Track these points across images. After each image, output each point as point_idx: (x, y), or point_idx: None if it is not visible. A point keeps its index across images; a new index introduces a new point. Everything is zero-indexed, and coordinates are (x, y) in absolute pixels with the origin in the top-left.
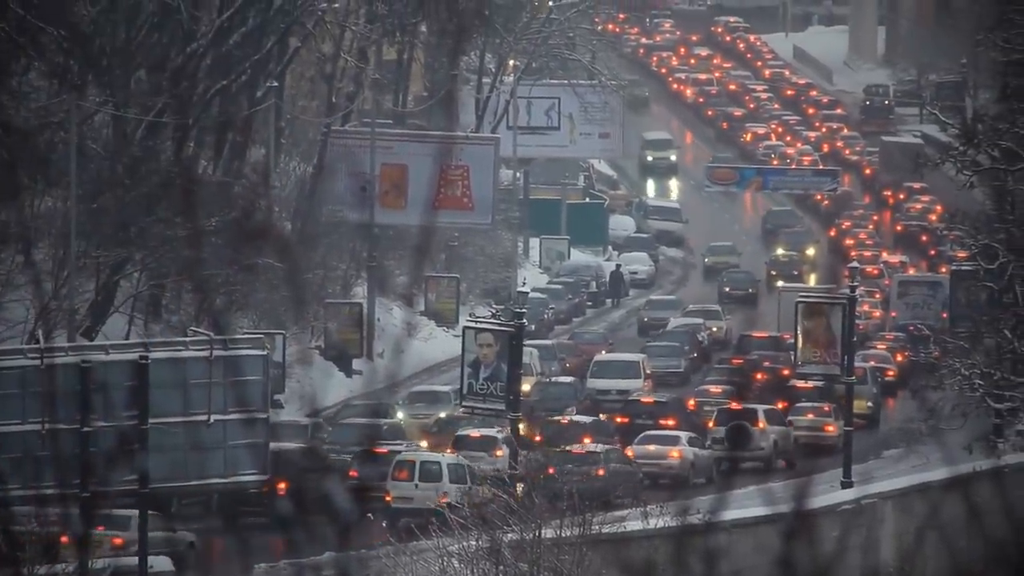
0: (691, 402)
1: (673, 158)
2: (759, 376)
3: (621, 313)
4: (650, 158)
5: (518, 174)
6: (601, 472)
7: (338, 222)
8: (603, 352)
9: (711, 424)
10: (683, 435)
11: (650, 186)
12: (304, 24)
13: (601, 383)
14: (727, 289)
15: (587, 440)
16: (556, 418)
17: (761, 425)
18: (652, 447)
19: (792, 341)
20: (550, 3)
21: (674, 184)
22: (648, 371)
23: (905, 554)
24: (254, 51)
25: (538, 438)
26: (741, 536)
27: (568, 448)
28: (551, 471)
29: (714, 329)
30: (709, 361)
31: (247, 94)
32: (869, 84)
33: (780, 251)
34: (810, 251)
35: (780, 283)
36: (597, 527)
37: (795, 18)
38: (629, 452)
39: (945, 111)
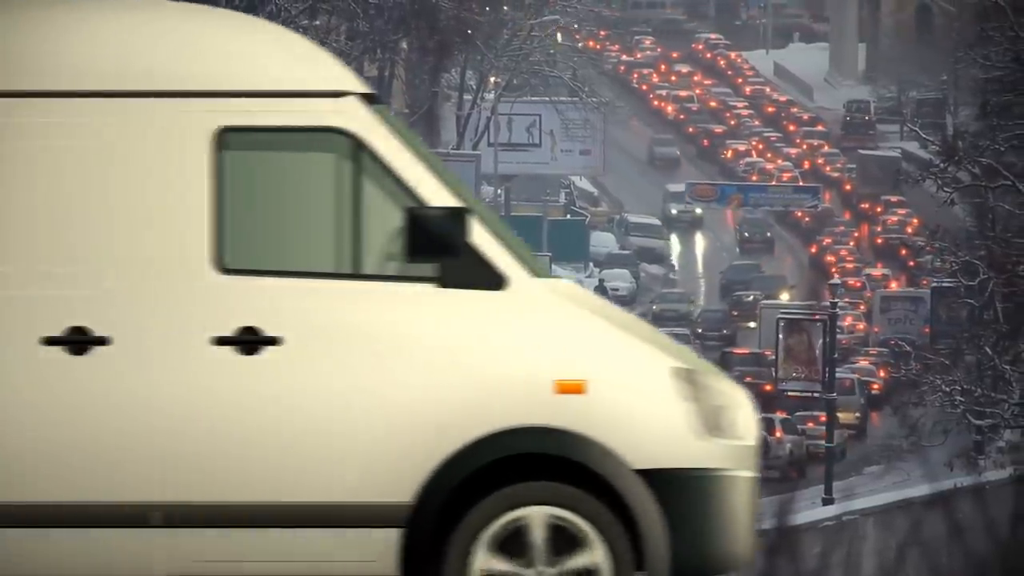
0: None
1: (699, 211)
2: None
3: None
4: (674, 211)
5: (499, 191)
6: None
7: None
8: None
9: None
10: None
11: (674, 240)
12: None
13: None
14: (700, 330)
15: None
16: None
17: (778, 434)
18: None
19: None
20: (530, 21)
21: (699, 238)
22: None
23: (886, 571)
24: None
25: None
26: None
27: None
28: None
29: None
30: None
31: None
32: (850, 101)
33: (741, 292)
34: (784, 296)
35: (750, 323)
36: None
37: (776, 35)
38: None
39: (926, 128)
